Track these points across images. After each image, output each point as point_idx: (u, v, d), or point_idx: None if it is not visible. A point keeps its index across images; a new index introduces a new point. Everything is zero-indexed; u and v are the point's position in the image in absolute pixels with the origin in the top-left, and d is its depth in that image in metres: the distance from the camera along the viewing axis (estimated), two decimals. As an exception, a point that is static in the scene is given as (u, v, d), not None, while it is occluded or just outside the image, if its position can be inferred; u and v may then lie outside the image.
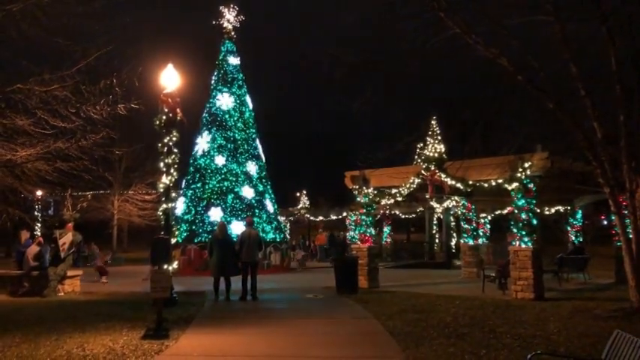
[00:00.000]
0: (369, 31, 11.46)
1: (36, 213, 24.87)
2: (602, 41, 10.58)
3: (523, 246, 13.07)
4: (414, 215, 31.83)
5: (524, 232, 13.13)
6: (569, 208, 21.41)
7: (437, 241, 28.94)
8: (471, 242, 19.09)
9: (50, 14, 10.81)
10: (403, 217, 32.52)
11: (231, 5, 25.12)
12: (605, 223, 33.75)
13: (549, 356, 6.66)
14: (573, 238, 21.26)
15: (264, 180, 24.74)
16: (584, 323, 9.56)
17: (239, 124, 24.63)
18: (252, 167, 24.25)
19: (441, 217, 27.49)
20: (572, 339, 8.24)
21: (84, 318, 10.56)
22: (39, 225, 24.52)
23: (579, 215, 21.71)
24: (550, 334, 8.70)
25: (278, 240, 23.92)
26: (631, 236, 10.82)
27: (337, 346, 8.20)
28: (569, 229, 21.79)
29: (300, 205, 32.34)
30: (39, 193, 22.21)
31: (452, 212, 25.71)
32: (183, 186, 23.83)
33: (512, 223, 13.87)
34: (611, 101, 10.79)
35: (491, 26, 11.25)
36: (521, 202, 13.31)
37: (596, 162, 10.97)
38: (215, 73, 25.48)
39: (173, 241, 12.56)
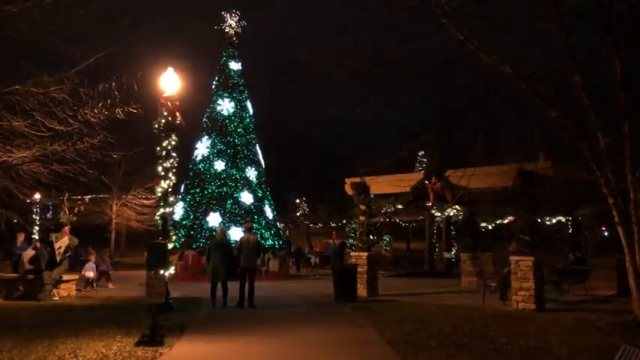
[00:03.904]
0: (370, 37, 11.33)
1: (34, 216, 24.63)
2: (607, 50, 10.47)
3: (524, 256, 12.91)
4: (414, 224, 31.63)
5: (525, 242, 12.96)
6: (570, 218, 21.26)
7: (437, 250, 28.72)
8: (471, 252, 18.91)
9: (49, 16, 10.72)
10: (403, 225, 32.31)
11: (234, 11, 25.14)
12: (606, 234, 33.71)
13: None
14: (574, 248, 21.08)
15: (263, 186, 24.62)
16: (587, 335, 9.39)
17: (239, 130, 24.55)
18: (251, 173, 24.15)
19: (442, 225, 27.29)
20: (575, 352, 8.07)
21: (78, 323, 10.38)
22: (36, 228, 24.28)
23: (580, 226, 21.56)
24: (552, 346, 8.53)
25: (277, 246, 23.76)
26: (635, 247, 10.65)
27: (334, 355, 8.04)
28: (570, 239, 21.62)
29: (300, 212, 32.18)
30: (37, 196, 22.02)
31: (452, 221, 25.52)
32: (182, 191, 23.71)
33: (513, 232, 13.70)
34: (616, 111, 10.64)
35: (495, 34, 11.15)
36: (523, 212, 13.16)
37: (599, 172, 10.82)
38: (216, 78, 25.43)
39: (170, 246, 12.40)
